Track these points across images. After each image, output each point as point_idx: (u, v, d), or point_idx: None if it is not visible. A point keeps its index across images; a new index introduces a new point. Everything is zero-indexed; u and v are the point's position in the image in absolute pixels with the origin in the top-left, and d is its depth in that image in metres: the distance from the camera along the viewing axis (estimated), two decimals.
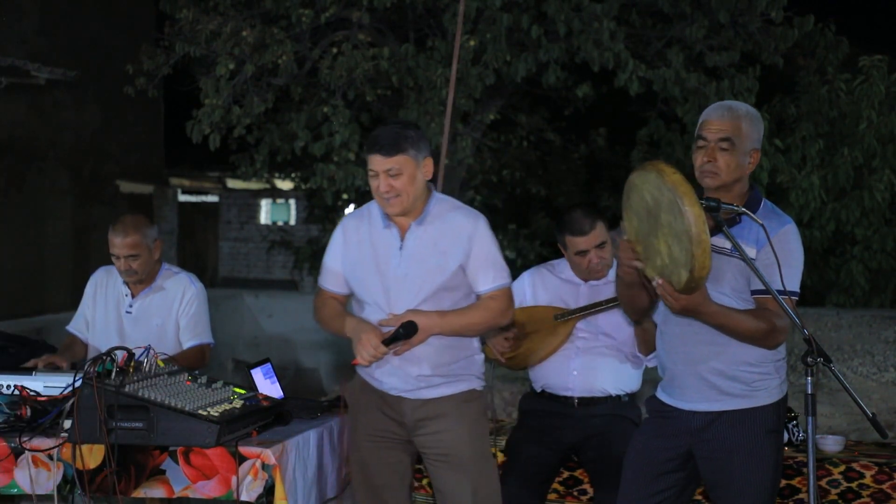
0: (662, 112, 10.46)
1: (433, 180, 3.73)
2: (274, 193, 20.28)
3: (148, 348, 3.61)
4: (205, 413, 3.36)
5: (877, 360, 7.90)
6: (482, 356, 3.77)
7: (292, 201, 20.29)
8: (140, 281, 4.53)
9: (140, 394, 3.37)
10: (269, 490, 3.35)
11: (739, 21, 9.32)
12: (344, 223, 3.74)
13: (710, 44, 9.40)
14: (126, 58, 10.24)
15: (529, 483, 4.11)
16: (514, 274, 4.37)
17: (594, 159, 14.50)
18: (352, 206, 12.84)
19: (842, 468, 4.08)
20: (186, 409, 3.35)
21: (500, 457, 4.25)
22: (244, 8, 9.64)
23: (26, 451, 3.44)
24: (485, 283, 3.59)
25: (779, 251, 3.09)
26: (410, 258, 3.57)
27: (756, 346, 3.23)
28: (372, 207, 3.69)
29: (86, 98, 13.35)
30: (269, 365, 4.21)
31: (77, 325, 4.67)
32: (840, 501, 4.05)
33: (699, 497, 4.03)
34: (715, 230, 3.13)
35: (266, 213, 20.59)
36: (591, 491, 4.27)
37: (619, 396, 4.28)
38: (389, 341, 3.49)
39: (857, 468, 4.07)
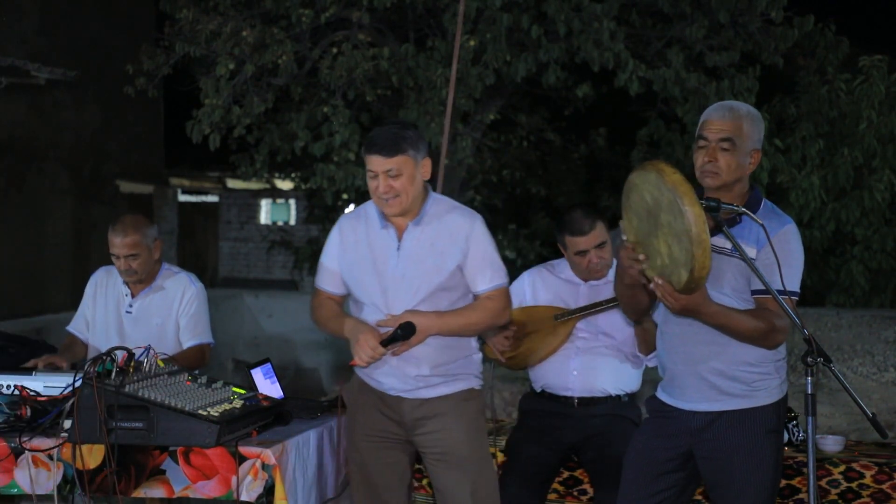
0: (662, 112, 10.46)
1: (433, 180, 3.73)
2: (274, 193, 20.28)
3: (148, 348, 3.61)
4: (205, 413, 3.36)
5: (877, 360, 7.90)
6: (480, 355, 3.77)
7: (292, 201, 20.30)
8: (140, 281, 4.53)
9: (140, 394, 3.37)
10: (269, 490, 3.35)
11: (739, 21, 9.32)
12: (340, 224, 3.73)
13: (710, 44, 9.40)
14: (126, 58, 10.24)
15: (529, 483, 4.11)
16: (514, 274, 4.38)
17: (594, 159, 14.50)
18: (352, 206, 12.83)
19: (842, 468, 4.08)
20: (186, 409, 3.35)
21: (500, 457, 4.25)
22: (244, 8, 9.64)
23: (26, 451, 3.44)
24: (482, 284, 3.60)
25: (779, 251, 3.09)
26: (408, 259, 3.57)
27: (756, 346, 3.23)
28: (368, 208, 3.69)
29: (86, 98, 13.35)
30: (269, 365, 4.21)
31: (77, 326, 4.67)
32: (840, 501, 4.05)
33: (699, 497, 4.03)
34: (715, 230, 3.13)
35: (266, 213, 20.60)
36: (591, 491, 4.27)
37: (618, 396, 4.28)
38: (387, 342, 3.49)
39: (857, 468, 4.07)
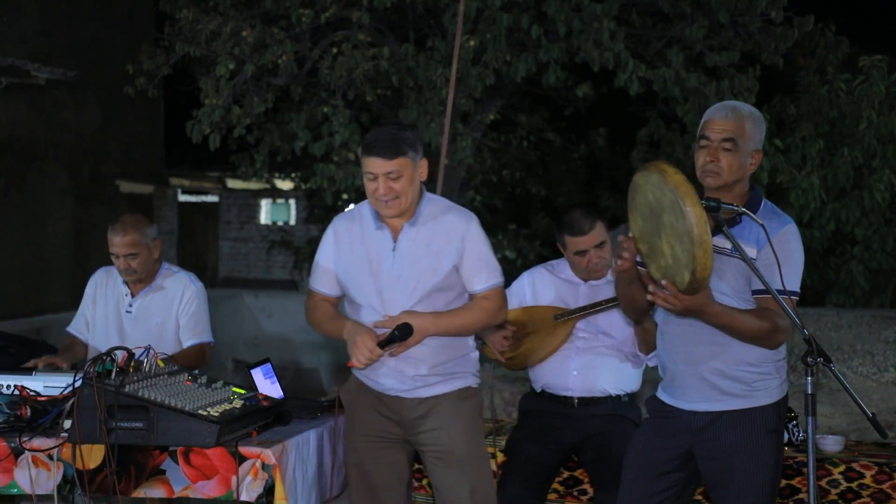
0: (662, 112, 10.47)
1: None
2: (274, 193, 20.28)
3: (148, 348, 3.61)
4: (205, 413, 3.36)
5: (877, 360, 7.90)
6: (477, 354, 3.77)
7: (292, 201, 20.30)
8: (140, 280, 4.53)
9: (140, 394, 3.37)
10: (269, 490, 3.35)
11: (739, 21, 9.33)
12: (335, 225, 3.72)
13: (710, 44, 9.40)
14: (126, 58, 10.25)
15: (529, 483, 4.11)
16: (515, 274, 4.38)
17: (594, 159, 14.51)
18: (352, 206, 12.84)
19: (842, 468, 4.08)
20: (186, 409, 3.35)
21: (500, 457, 4.25)
22: (244, 8, 9.64)
23: (26, 451, 3.43)
24: (478, 283, 3.59)
25: (779, 251, 3.09)
26: (403, 259, 3.56)
27: (757, 346, 3.23)
28: (363, 208, 3.68)
29: (86, 98, 13.35)
30: (269, 365, 4.20)
31: (77, 326, 4.67)
32: (840, 501, 4.05)
33: (699, 497, 4.02)
34: (715, 230, 3.12)
35: (266, 213, 20.60)
36: (591, 491, 4.26)
37: (618, 396, 4.28)
38: (385, 343, 3.48)
39: (857, 468, 4.07)
